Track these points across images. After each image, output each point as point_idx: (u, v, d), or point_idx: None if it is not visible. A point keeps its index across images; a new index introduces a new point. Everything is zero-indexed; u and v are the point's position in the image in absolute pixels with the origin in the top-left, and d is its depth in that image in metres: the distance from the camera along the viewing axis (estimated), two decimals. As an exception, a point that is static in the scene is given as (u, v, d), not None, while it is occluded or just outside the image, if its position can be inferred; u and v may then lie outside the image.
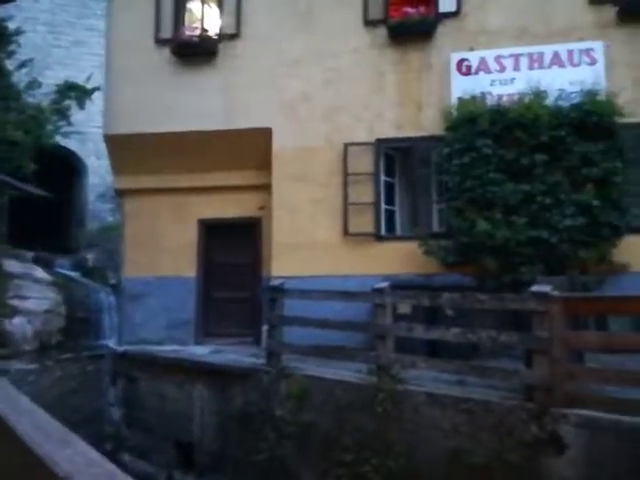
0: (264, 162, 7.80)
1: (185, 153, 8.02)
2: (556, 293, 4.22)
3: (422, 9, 7.28)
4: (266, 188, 7.84)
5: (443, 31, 7.33)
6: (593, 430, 3.86)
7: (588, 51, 6.84)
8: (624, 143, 6.08)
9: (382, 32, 7.52)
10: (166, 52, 8.02)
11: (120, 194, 8.80)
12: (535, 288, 4.32)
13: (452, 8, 7.30)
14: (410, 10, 7.30)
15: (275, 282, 6.27)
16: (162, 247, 8.25)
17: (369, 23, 7.60)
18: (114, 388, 7.49)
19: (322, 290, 5.85)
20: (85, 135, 12.09)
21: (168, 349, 7.35)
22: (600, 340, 4.57)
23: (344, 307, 5.84)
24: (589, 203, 5.85)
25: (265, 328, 6.18)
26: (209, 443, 6.32)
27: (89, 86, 11.82)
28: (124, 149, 8.10)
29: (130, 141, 8.00)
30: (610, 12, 6.89)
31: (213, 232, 8.28)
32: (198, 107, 7.86)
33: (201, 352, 7.19)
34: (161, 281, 8.14)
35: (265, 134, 7.68)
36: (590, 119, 6.06)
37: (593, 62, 6.81)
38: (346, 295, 5.73)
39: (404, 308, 6.09)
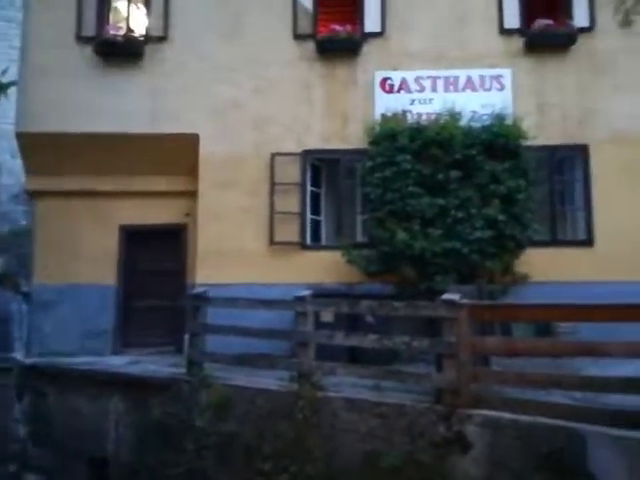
0: (191, 168, 7.70)
1: (107, 155, 7.74)
2: (464, 301, 4.51)
3: (349, 27, 7.56)
4: (192, 194, 7.74)
5: (368, 50, 7.64)
6: (495, 429, 4.12)
7: (498, 77, 7.43)
8: (528, 164, 6.63)
9: (311, 46, 7.71)
10: (88, 50, 7.72)
11: (32, 195, 8.28)
12: (445, 296, 4.60)
13: (377, 29, 7.64)
14: (337, 27, 7.55)
15: (199, 290, 6.19)
16: (79, 253, 7.86)
17: (298, 37, 7.76)
18: (20, 404, 7.00)
19: (245, 298, 5.85)
20: (-1, 132, 11.26)
21: (82, 361, 6.98)
22: (502, 345, 4.91)
23: (269, 315, 5.88)
24: (496, 218, 6.32)
25: (187, 337, 6.07)
26: (125, 458, 6.08)
27: (4, 80, 11.01)
28: (38, 148, 7.65)
29: (46, 140, 7.57)
30: (518, 42, 7.54)
31: (136, 238, 8.01)
32: (122, 109, 7.63)
33: (118, 363, 6.91)
34: (76, 289, 7.75)
35: (192, 140, 7.60)
36: (498, 140, 6.57)
37: (502, 88, 7.40)
38: (269, 303, 5.77)
39: (327, 316, 6.23)
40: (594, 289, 6.11)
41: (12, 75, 11.15)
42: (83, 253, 7.85)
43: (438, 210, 6.47)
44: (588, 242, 7.10)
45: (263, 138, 7.61)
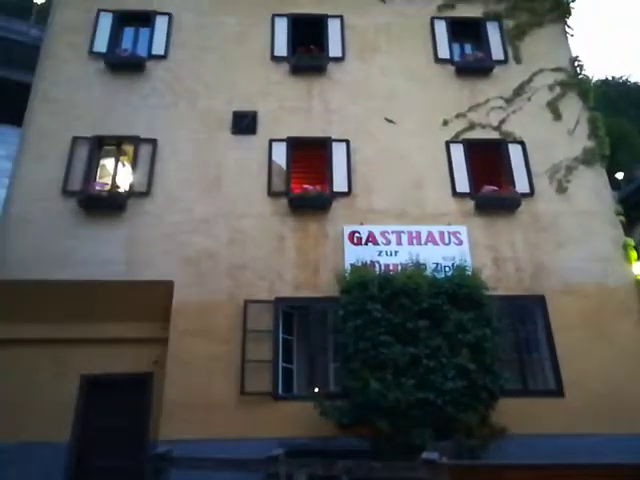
0: (161, 314, 7.67)
1: (76, 302, 7.67)
2: (444, 460, 4.36)
3: (319, 187, 8.35)
4: (161, 341, 7.58)
5: (337, 207, 8.35)
6: None
7: (455, 233, 8.15)
8: (491, 313, 6.95)
9: (284, 202, 8.36)
10: (72, 202, 8.09)
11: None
12: (424, 455, 4.45)
13: (344, 189, 8.46)
14: (308, 187, 8.33)
15: (162, 448, 5.75)
16: (31, 407, 7.30)
17: (272, 194, 8.45)
18: None
19: (212, 458, 5.46)
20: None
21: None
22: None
23: (238, 476, 5.46)
24: (466, 367, 6.39)
25: (145, 506, 5.48)
26: None
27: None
28: (3, 296, 7.53)
29: (12, 287, 7.47)
30: (469, 204, 8.44)
31: (97, 389, 7.56)
32: (98, 257, 7.78)
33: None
34: (24, 448, 7.03)
35: (166, 287, 7.70)
36: (461, 290, 6.94)
37: (460, 242, 8.08)
38: (238, 463, 5.39)
39: (300, 477, 5.82)
40: (570, 442, 6.08)
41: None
42: (36, 406, 7.29)
43: (410, 359, 6.51)
44: (558, 392, 7.20)
45: (237, 285, 7.79)
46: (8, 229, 7.91)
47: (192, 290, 7.74)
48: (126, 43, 9.73)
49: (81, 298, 7.68)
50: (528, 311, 7.94)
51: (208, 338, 7.44)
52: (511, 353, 7.33)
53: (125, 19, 9.84)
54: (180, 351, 7.36)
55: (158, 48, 9.48)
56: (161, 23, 9.69)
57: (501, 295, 7.47)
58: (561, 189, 8.56)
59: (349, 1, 10.12)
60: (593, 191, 8.62)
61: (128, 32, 9.87)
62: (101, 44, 9.42)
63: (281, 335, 7.62)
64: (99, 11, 9.69)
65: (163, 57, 9.42)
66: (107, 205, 8.08)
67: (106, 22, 9.63)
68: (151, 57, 9.40)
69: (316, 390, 7.16)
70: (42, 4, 22.25)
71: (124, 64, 9.29)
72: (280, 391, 7.24)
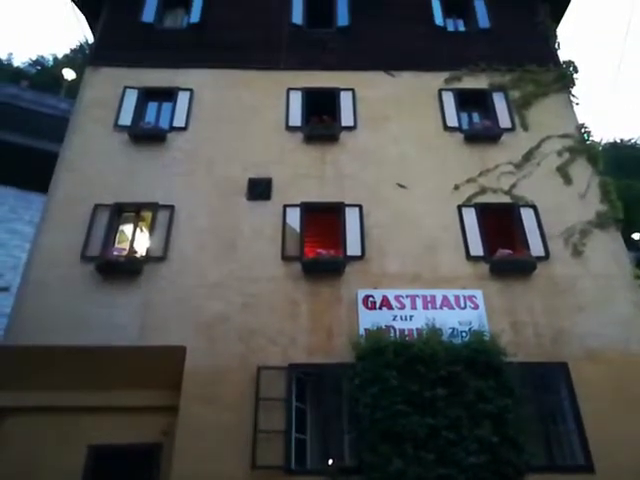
0: (172, 381, 7.50)
1: (85, 368, 7.57)
2: None
3: (332, 251, 8.41)
4: (170, 410, 7.37)
5: (350, 271, 8.34)
6: None
7: (471, 297, 8.03)
8: (511, 381, 6.69)
9: (297, 266, 8.39)
10: (91, 268, 8.21)
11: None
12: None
13: (358, 253, 8.49)
14: (322, 251, 8.39)
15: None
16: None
17: (286, 258, 8.50)
18: None
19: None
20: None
21: None
22: None
23: None
24: (489, 439, 6.08)
25: None
26: None
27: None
28: (17, 362, 7.48)
29: (24, 353, 7.45)
30: (484, 268, 8.38)
31: (104, 460, 7.29)
32: (113, 322, 7.76)
33: None
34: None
35: (179, 352, 7.59)
36: (479, 357, 6.75)
37: (476, 307, 7.94)
38: None
39: None
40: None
41: (5, 282, 11.71)
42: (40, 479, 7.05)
43: (429, 430, 6.24)
44: (588, 468, 6.75)
45: (249, 351, 7.65)
46: (26, 294, 8.00)
47: (204, 356, 7.62)
48: (149, 116, 10.29)
49: (91, 364, 7.58)
50: (550, 379, 7.60)
51: (219, 407, 7.22)
52: (535, 424, 6.96)
53: (149, 95, 10.45)
54: (190, 421, 7.11)
55: (179, 121, 9.98)
56: (183, 98, 10.26)
57: (521, 362, 7.20)
58: (577, 252, 8.49)
59: (360, 76, 10.66)
60: (610, 254, 8.52)
61: (152, 106, 10.45)
62: (126, 118, 9.96)
63: (294, 403, 7.38)
64: (125, 88, 10.33)
65: (183, 129, 9.90)
66: (124, 270, 8.18)
67: (131, 98, 10.24)
68: (172, 129, 9.89)
69: (330, 462, 6.84)
70: (72, 80, 23.84)
71: (147, 136, 9.75)
72: (293, 465, 6.91)
